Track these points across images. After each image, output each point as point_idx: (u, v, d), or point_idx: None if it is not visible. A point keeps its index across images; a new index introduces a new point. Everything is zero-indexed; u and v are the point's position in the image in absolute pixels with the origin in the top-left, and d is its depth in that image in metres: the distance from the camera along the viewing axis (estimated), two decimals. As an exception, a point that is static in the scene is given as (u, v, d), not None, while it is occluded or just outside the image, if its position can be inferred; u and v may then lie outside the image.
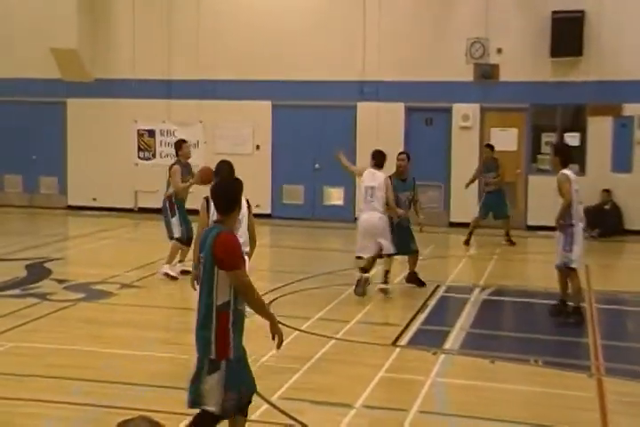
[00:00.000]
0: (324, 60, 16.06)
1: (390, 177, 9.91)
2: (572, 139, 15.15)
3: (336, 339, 7.79)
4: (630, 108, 14.82)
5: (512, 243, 13.41)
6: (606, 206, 14.62)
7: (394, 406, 6.09)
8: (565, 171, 8.51)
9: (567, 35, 14.85)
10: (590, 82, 14.89)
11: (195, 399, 4.60)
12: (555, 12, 14.95)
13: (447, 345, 7.69)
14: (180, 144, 10.74)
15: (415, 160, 15.69)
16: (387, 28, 15.88)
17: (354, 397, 6.19)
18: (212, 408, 4.54)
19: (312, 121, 16.33)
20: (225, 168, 7.54)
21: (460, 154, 15.78)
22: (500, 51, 15.49)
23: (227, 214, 4.75)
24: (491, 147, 14.07)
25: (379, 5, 15.92)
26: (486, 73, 15.57)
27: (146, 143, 17.32)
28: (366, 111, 16.14)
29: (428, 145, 15.87)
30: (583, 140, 15.13)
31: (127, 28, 16.96)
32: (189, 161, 10.71)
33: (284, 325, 8.11)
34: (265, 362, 6.92)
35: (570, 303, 8.62)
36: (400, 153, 10.63)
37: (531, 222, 15.13)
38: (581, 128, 15.17)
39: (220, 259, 4.53)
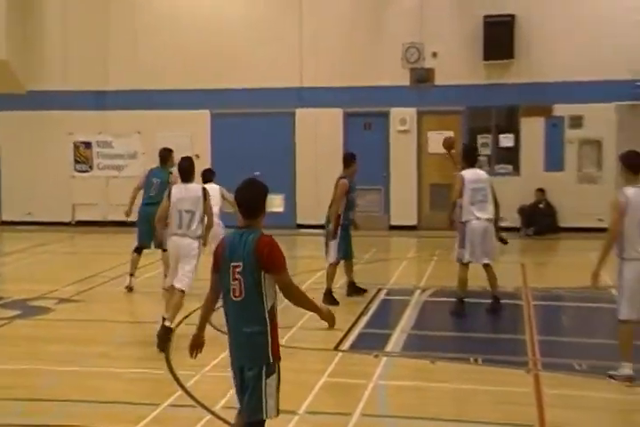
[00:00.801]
0: (262, 67, 16.11)
1: (345, 178, 9.82)
2: (506, 140, 15.50)
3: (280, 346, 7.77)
4: (560, 109, 15.22)
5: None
6: (540, 205, 14.96)
7: (337, 411, 6.12)
8: (463, 171, 8.90)
9: (499, 38, 15.19)
10: (522, 84, 15.24)
11: (255, 408, 4.47)
12: (486, 17, 15.28)
13: (389, 348, 7.76)
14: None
15: (355, 165, 16.04)
16: (323, 34, 16.02)
17: (297, 403, 6.19)
18: (272, 414, 4.52)
19: (251, 129, 16.34)
20: (184, 164, 8.09)
21: (399, 157, 15.97)
22: (434, 55, 15.75)
23: (254, 219, 4.67)
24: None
25: (315, 12, 16.05)
26: (422, 77, 15.81)
27: (82, 155, 17.09)
28: (305, 117, 16.24)
29: (367, 149, 15.94)
30: (517, 140, 15.48)
31: (60, 39, 16.75)
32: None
33: (224, 333, 8.11)
34: (207, 372, 6.89)
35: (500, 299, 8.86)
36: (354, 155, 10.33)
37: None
38: (515, 129, 15.52)
39: (270, 262, 4.44)
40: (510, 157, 15.53)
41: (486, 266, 8.99)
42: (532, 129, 15.35)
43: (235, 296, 4.50)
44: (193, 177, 8.25)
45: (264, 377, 4.48)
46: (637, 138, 14.73)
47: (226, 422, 5.77)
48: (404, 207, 15.67)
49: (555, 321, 9.04)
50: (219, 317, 8.67)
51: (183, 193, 8.08)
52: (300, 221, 16.31)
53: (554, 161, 15.08)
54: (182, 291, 7.90)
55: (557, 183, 14.97)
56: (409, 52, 15.81)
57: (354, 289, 10.00)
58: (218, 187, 10.42)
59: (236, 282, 4.46)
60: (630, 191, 6.67)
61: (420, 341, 8.24)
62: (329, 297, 9.50)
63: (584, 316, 9.20)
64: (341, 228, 9.67)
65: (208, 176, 10.71)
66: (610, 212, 6.76)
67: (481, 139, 15.74)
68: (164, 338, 7.57)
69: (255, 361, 4.51)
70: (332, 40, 16.02)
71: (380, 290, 10.14)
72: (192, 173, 8.22)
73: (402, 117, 15.87)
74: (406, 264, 12.31)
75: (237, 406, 4.67)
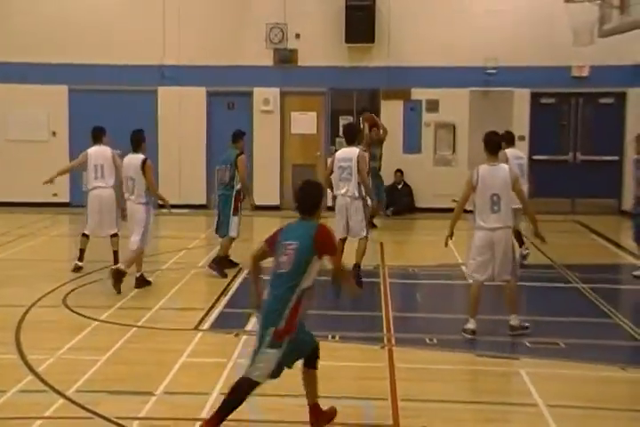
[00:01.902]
0: (123, 43, 15.68)
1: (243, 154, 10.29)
2: (367, 122, 15.81)
3: (137, 327, 7.72)
4: (418, 93, 15.71)
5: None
6: (399, 186, 15.44)
7: (195, 391, 6.13)
8: (339, 150, 9.51)
9: (360, 22, 15.44)
10: (382, 67, 15.61)
11: (249, 366, 5.17)
12: (348, 0, 15.47)
13: (249, 327, 7.82)
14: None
15: (218, 144, 15.91)
16: (186, 12, 15.75)
17: (155, 384, 6.17)
18: (257, 379, 5.15)
19: (111, 106, 15.85)
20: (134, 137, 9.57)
21: (263, 137, 16.01)
22: (298, 36, 15.83)
23: (311, 215, 5.31)
24: None
25: (177, -12, 15.76)
26: (285, 58, 15.87)
27: None
28: (167, 96, 15.97)
29: (231, 129, 15.85)
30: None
31: None
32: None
33: (83, 316, 7.96)
34: (61, 355, 6.74)
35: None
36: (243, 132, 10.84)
37: (330, 203, 15.60)
38: (376, 112, 15.86)
39: (327, 246, 5.17)
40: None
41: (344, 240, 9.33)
42: (392, 112, 15.77)
43: (280, 269, 5.13)
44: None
45: (265, 345, 5.10)
46: (488, 122, 15.41)
47: (80, 406, 5.68)
48: (266, 188, 15.73)
49: (409, 298, 9.40)
50: (77, 299, 8.56)
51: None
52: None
53: (412, 143, 15.57)
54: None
55: (415, 165, 15.48)
56: (272, 33, 15.82)
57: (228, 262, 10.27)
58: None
59: (286, 257, 5.10)
60: (483, 168, 7.21)
61: (280, 319, 8.35)
62: (225, 262, 10.02)
63: (437, 293, 9.61)
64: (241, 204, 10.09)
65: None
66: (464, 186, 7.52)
67: (343, 120, 15.91)
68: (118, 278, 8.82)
69: (266, 323, 5.17)
70: (195, 18, 15.78)
71: (240, 269, 10.18)
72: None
73: (265, 98, 15.90)
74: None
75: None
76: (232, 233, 10.05)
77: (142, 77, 15.71)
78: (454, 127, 15.72)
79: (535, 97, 15.64)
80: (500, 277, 7.47)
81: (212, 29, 15.80)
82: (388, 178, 15.18)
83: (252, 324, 7.87)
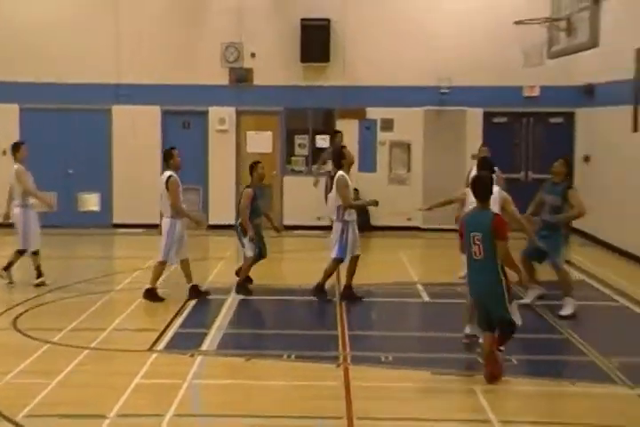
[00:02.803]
0: (77, 62, 15.55)
1: (250, 186, 10.37)
2: (322, 141, 15.93)
3: (90, 349, 7.61)
4: (373, 112, 15.85)
5: None
6: (355, 205, 15.47)
7: (149, 413, 6.07)
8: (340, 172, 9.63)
9: (315, 42, 15.56)
10: (337, 87, 15.73)
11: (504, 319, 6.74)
12: (303, 20, 15.60)
13: (204, 347, 7.79)
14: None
15: (173, 164, 15.86)
16: (142, 30, 15.71)
17: (107, 407, 6.09)
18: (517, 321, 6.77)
19: (64, 125, 15.75)
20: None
21: (218, 156, 15.99)
22: (253, 55, 15.90)
23: (485, 201, 6.73)
24: None
25: (132, 7, 15.72)
26: (241, 77, 15.91)
27: None
28: (122, 115, 15.87)
29: (186, 148, 15.78)
30: (333, 142, 15.93)
31: None
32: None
33: (33, 338, 7.83)
34: (10, 380, 6.61)
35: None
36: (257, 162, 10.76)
37: (287, 222, 15.66)
38: (331, 131, 15.97)
39: (503, 231, 6.52)
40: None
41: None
42: (347, 131, 15.83)
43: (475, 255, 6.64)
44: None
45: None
46: (442, 141, 15.68)
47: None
48: (222, 207, 15.69)
49: (365, 316, 9.42)
50: (28, 321, 8.40)
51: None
52: (116, 220, 15.92)
53: (367, 162, 15.66)
54: None
55: (370, 184, 15.55)
56: (228, 52, 15.87)
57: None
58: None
59: (476, 246, 6.59)
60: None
61: (235, 339, 8.33)
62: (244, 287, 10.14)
63: (392, 311, 9.65)
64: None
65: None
66: None
67: (298, 139, 16.09)
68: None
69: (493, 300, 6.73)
70: (150, 37, 15.75)
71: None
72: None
73: (221, 117, 15.90)
74: (223, 263, 12.34)
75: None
76: (248, 253, 10.15)
77: (96, 96, 15.60)
78: (409, 146, 15.88)
79: (488, 116, 15.89)
80: None
81: (167, 48, 15.78)
82: (343, 197, 15.25)
83: (208, 344, 7.85)
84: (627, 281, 10.77)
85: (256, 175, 10.38)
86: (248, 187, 10.41)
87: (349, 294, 9.74)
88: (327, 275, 9.74)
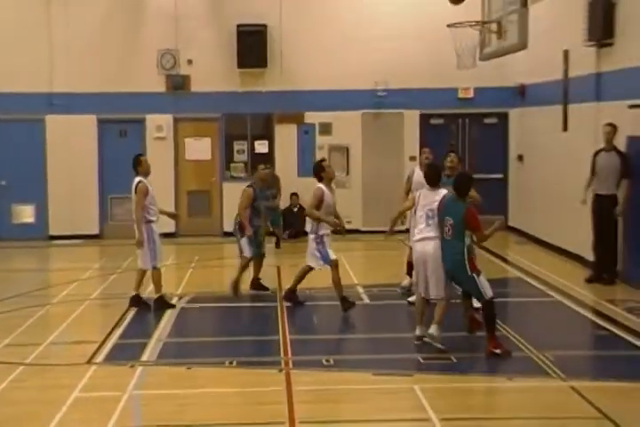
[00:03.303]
0: (8, 71, 15.22)
1: (252, 186, 10.53)
2: (261, 146, 15.93)
3: (25, 364, 7.46)
4: (311, 116, 15.91)
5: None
6: (295, 209, 15.52)
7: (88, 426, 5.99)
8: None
9: (251, 47, 15.53)
10: (275, 92, 15.73)
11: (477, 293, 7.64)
12: (240, 26, 15.58)
13: (145, 357, 7.72)
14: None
15: (110, 172, 15.71)
16: (75, 37, 15.47)
17: (45, 423, 6.00)
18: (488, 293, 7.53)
19: (-4, 135, 15.42)
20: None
21: (156, 164, 15.62)
22: (190, 62, 15.80)
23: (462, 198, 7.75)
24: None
25: (65, 13, 15.47)
26: (178, 84, 15.80)
27: None
28: (56, 124, 15.61)
29: (123, 157, 15.59)
30: (271, 147, 15.96)
31: None
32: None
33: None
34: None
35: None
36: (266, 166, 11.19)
37: (227, 229, 15.59)
38: (270, 136, 15.99)
39: (476, 224, 7.63)
40: (265, 162, 15.90)
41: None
42: (286, 136, 15.90)
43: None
44: None
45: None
46: (379, 144, 15.82)
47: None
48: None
49: (306, 320, 9.44)
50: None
51: None
52: (52, 232, 15.63)
53: (306, 167, 15.65)
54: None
55: (310, 188, 15.44)
56: (164, 59, 15.74)
57: (258, 285, 10.51)
58: None
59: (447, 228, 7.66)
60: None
61: (176, 348, 8.25)
62: (235, 286, 10.27)
63: (332, 314, 9.67)
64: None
65: None
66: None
67: (237, 145, 16.02)
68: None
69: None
70: (84, 45, 15.51)
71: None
72: None
73: (158, 124, 15.76)
74: (164, 271, 12.16)
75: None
76: (245, 252, 10.38)
77: (28, 105, 15.31)
78: (347, 149, 15.99)
79: (424, 118, 16.09)
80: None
81: (102, 56, 15.56)
82: (284, 201, 15.28)
83: (148, 354, 7.77)
84: (560, 277, 11.02)
85: (257, 176, 10.79)
86: (249, 186, 10.53)
87: (292, 297, 9.76)
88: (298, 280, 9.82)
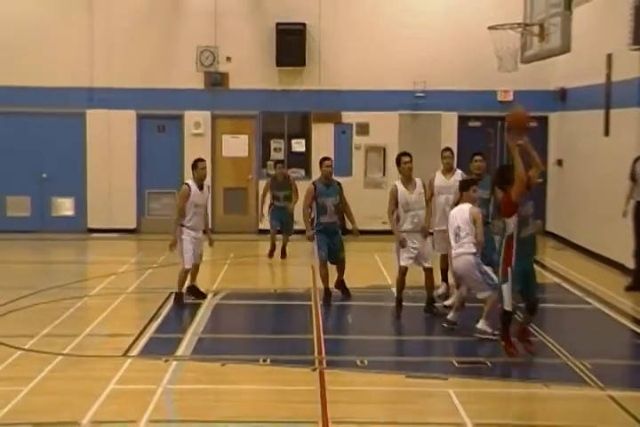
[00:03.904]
0: (50, 65, 15.42)
1: (314, 183, 10.04)
2: (298, 145, 15.96)
3: (63, 355, 7.55)
4: (348, 116, 15.89)
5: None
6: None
7: (123, 419, 6.03)
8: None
9: (291, 46, 15.57)
10: (313, 91, 15.74)
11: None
12: (279, 24, 15.61)
13: (179, 352, 7.76)
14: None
15: (148, 167, 15.85)
16: (115, 34, 15.63)
17: (81, 413, 6.04)
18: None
19: (38, 129, 15.62)
20: None
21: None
22: (229, 59, 15.86)
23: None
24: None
25: (107, 10, 15.63)
26: (216, 81, 15.88)
27: None
28: (96, 119, 15.77)
29: (162, 152, 15.90)
30: (308, 146, 15.97)
31: None
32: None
33: (5, 345, 7.75)
34: (-18, 386, 6.55)
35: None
36: (325, 158, 10.29)
37: (262, 226, 15.59)
38: (307, 134, 16.00)
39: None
40: (302, 161, 16.00)
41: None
42: (323, 135, 15.89)
43: None
44: None
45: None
46: (417, 145, 15.69)
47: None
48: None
49: (340, 320, 9.43)
50: (1, 328, 8.31)
51: None
52: (91, 225, 15.81)
53: (342, 166, 15.63)
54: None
55: (346, 188, 15.42)
56: (203, 56, 15.82)
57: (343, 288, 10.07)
58: None
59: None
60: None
61: (210, 344, 8.30)
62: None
63: (367, 314, 9.66)
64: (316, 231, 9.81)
65: None
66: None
67: (274, 144, 16.07)
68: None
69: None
70: (124, 40, 15.66)
71: (171, 294, 10.06)
72: None
73: (196, 121, 15.86)
74: (200, 267, 12.27)
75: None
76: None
77: (69, 100, 15.49)
78: (384, 150, 15.94)
79: (462, 120, 15.99)
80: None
81: (141, 52, 15.71)
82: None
83: (183, 349, 7.83)
84: (599, 284, 10.88)
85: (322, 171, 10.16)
86: (312, 183, 10.16)
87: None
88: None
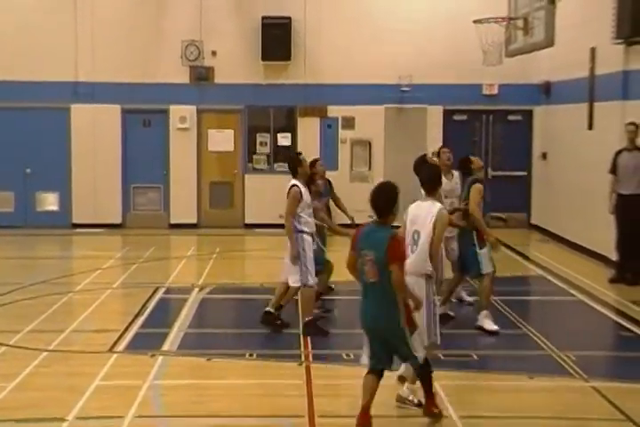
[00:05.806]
0: (35, 60, 15.32)
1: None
2: (284, 139, 15.95)
3: (48, 351, 7.53)
4: (334, 110, 15.89)
5: None
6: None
7: (109, 415, 6.03)
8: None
9: (276, 40, 15.53)
10: (299, 85, 15.73)
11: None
12: (264, 18, 15.57)
13: (165, 347, 7.76)
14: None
15: (134, 162, 15.81)
16: (100, 28, 15.54)
17: (66, 410, 6.04)
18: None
19: (22, 124, 15.52)
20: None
21: (179, 155, 15.90)
22: (214, 53, 15.82)
23: (384, 219, 5.70)
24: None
25: (91, 5, 15.54)
26: (201, 75, 15.83)
27: None
28: (81, 113, 15.70)
29: (147, 147, 15.85)
30: (294, 140, 15.96)
31: None
32: None
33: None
34: (-35, 384, 6.52)
35: None
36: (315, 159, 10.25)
37: (248, 220, 15.67)
38: (292, 128, 15.99)
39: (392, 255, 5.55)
40: (288, 155, 15.97)
41: None
42: (309, 129, 15.89)
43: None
44: None
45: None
46: (402, 139, 15.76)
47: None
48: (183, 205, 15.64)
49: (327, 314, 9.43)
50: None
51: None
52: (76, 220, 15.74)
53: (329, 160, 15.56)
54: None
55: (332, 181, 15.56)
56: (188, 50, 15.77)
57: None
58: None
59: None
60: None
61: (196, 339, 8.31)
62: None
63: (353, 308, 9.64)
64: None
65: None
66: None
67: (260, 138, 16.05)
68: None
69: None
70: (109, 35, 15.57)
71: (157, 289, 10.07)
72: None
73: (182, 115, 15.81)
74: (185, 262, 12.30)
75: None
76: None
77: (54, 94, 15.40)
78: (370, 144, 15.96)
79: (448, 114, 16.02)
80: None
81: (127, 46, 15.63)
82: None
83: (169, 344, 7.82)
84: (583, 276, 10.96)
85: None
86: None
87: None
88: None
